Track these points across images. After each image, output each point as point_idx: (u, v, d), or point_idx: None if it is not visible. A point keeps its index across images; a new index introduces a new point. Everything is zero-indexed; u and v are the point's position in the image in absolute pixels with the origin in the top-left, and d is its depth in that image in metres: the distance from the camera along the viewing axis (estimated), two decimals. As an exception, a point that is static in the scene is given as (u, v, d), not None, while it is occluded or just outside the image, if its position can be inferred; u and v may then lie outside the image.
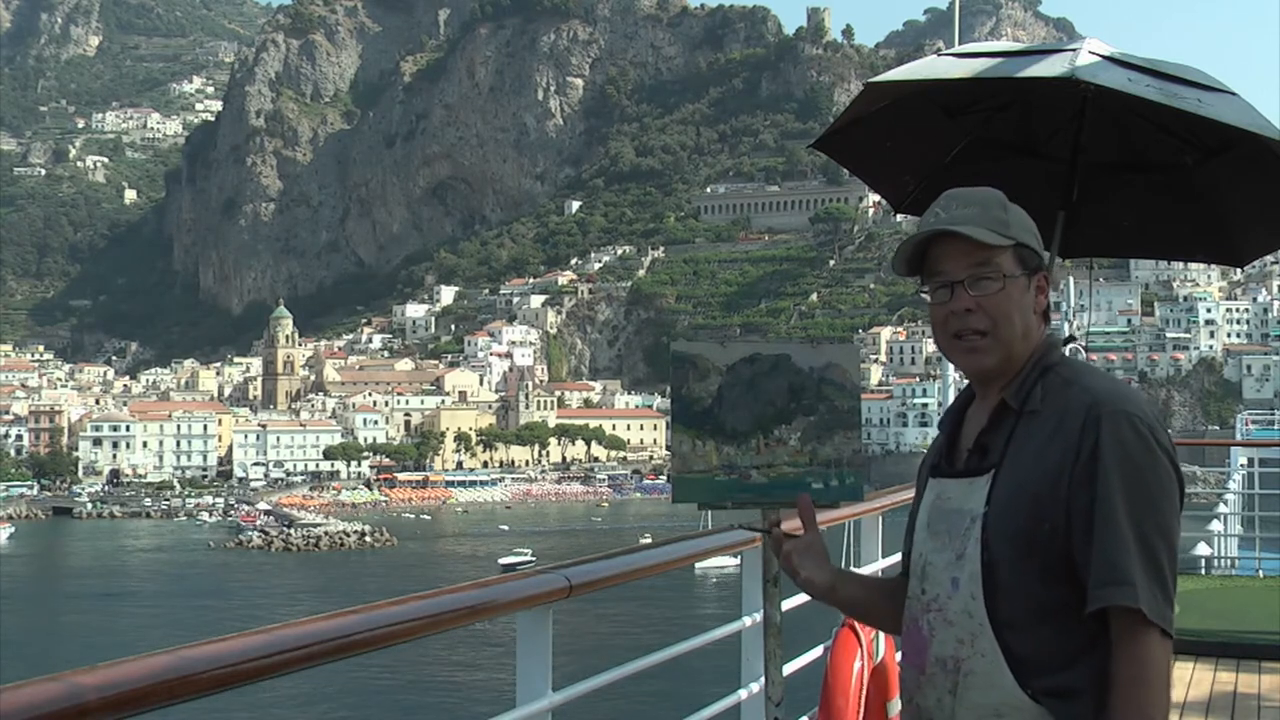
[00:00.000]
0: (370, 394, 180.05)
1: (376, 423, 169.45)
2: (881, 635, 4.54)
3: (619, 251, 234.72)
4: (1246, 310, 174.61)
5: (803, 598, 4.26)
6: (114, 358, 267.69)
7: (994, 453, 2.18)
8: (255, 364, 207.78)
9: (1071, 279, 14.64)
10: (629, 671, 3.26)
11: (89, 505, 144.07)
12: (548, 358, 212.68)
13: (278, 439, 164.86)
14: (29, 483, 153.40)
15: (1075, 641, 2.06)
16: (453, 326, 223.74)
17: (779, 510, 2.49)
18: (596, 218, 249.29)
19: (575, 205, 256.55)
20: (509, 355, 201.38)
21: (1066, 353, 2.28)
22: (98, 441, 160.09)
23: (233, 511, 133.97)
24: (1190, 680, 6.20)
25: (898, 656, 2.45)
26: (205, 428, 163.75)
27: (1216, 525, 13.68)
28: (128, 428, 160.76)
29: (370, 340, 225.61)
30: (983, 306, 2.18)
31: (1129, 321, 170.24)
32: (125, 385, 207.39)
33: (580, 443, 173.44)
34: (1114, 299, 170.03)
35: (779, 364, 2.50)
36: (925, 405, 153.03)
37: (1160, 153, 3.68)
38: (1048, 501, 2.07)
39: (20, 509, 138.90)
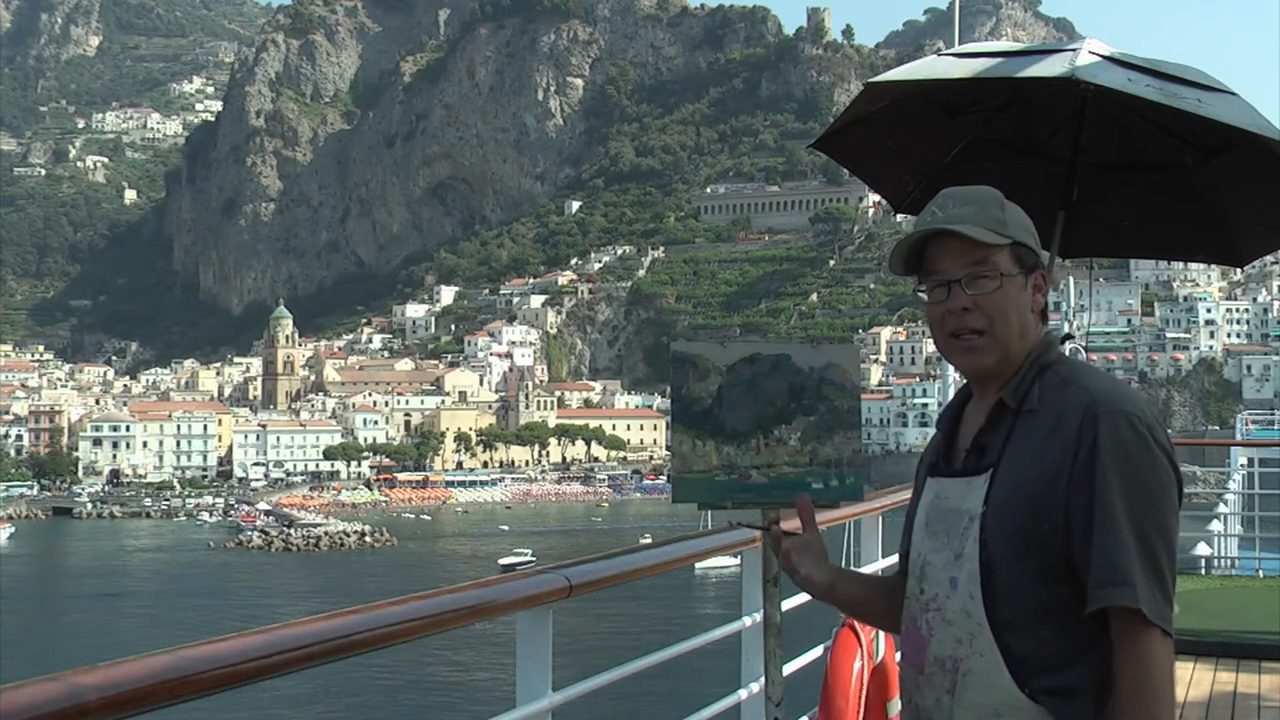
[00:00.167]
0: (370, 394, 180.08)
1: (376, 423, 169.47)
2: (881, 635, 4.54)
3: (619, 251, 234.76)
4: (1246, 310, 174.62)
5: (803, 598, 4.26)
6: (114, 358, 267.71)
7: (992, 452, 2.18)
8: (255, 364, 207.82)
9: (1071, 279, 14.64)
10: (629, 671, 3.26)
11: (89, 505, 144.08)
12: (548, 358, 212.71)
13: (278, 439, 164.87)
14: (29, 483, 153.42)
15: (1075, 641, 2.06)
16: (453, 326, 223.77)
17: (778, 509, 2.49)
18: (596, 218, 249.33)
19: (575, 205, 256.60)
20: (509, 355, 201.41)
21: (1065, 351, 2.27)
22: (98, 441, 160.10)
23: (233, 511, 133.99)
24: (1190, 680, 6.20)
25: (897, 656, 2.45)
26: (205, 428, 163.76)
27: (1216, 525, 13.68)
28: (128, 428, 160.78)
29: (370, 340, 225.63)
30: (980, 305, 2.18)
31: (1129, 321, 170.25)
32: (125, 385, 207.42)
33: (580, 443, 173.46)
34: (1114, 299, 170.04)
35: (779, 364, 2.50)
36: (925, 405, 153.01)
37: (1160, 153, 3.68)
38: (1046, 501, 2.07)
39: (20, 509, 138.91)
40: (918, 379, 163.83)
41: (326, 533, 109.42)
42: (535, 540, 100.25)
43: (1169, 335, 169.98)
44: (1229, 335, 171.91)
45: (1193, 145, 3.59)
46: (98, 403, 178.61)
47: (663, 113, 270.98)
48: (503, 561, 79.78)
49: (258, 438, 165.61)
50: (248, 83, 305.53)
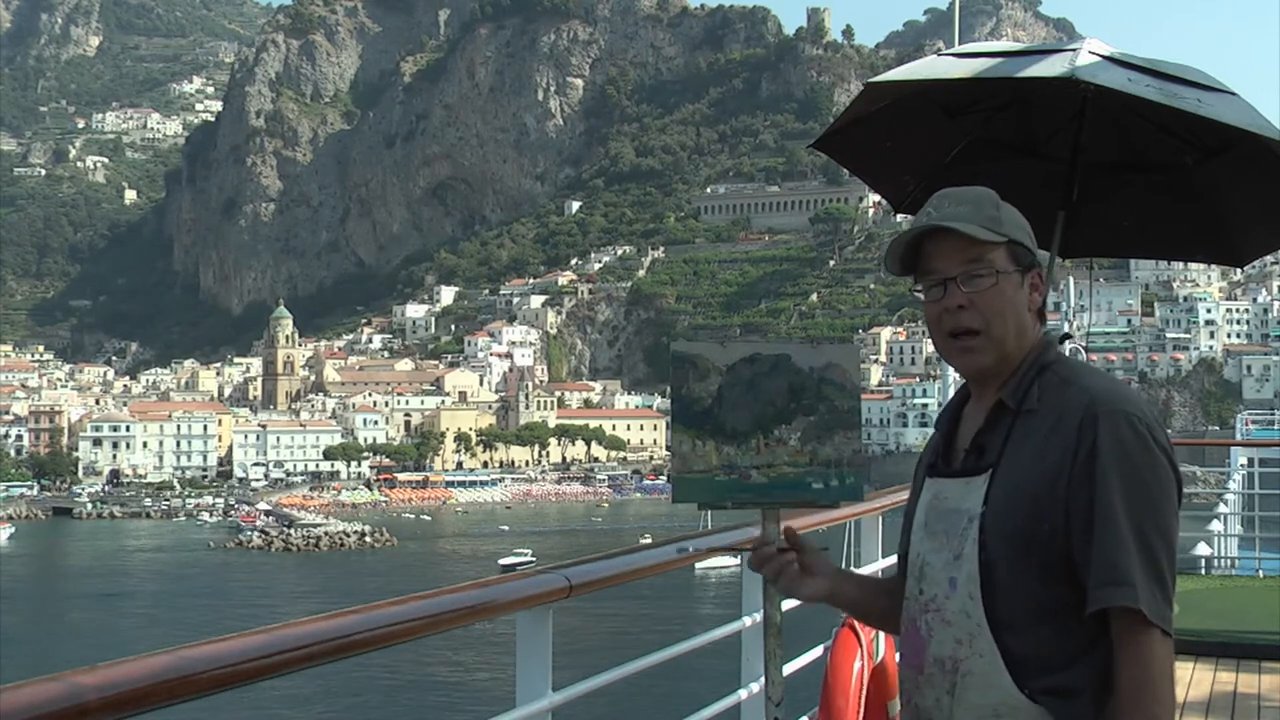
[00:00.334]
0: (370, 394, 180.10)
1: (376, 423, 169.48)
2: (881, 635, 4.54)
3: (619, 252, 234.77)
4: (1246, 310, 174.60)
5: (803, 597, 4.26)
6: (114, 358, 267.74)
7: (991, 452, 2.17)
8: (255, 364, 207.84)
9: (1071, 279, 14.66)
10: (629, 671, 3.26)
11: (89, 505, 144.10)
12: (548, 358, 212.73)
13: (278, 439, 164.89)
14: (29, 483, 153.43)
15: (1075, 641, 2.06)
16: (453, 327, 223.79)
17: (777, 512, 2.49)
18: (596, 218, 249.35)
19: (575, 205, 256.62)
20: (509, 355, 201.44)
21: (1065, 352, 2.27)
22: (98, 442, 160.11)
23: (233, 511, 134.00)
24: (1190, 680, 6.20)
25: (897, 656, 2.44)
26: (205, 428, 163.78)
27: (1216, 525, 13.68)
28: (128, 428, 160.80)
29: (370, 340, 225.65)
30: (975, 303, 2.18)
31: (1129, 322, 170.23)
32: (125, 385, 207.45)
33: (580, 443, 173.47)
34: (1114, 299, 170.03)
35: (779, 364, 2.49)
36: (925, 405, 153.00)
37: (1160, 153, 3.68)
38: (1046, 501, 2.06)
39: (20, 509, 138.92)
40: (918, 379, 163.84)
41: (326, 533, 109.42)
42: (535, 540, 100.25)
43: (1169, 335, 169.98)
44: (1229, 335, 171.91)
45: (1193, 145, 3.59)
46: (98, 403, 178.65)
47: (663, 113, 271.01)
48: (503, 561, 79.79)
49: (258, 438, 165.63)
50: (248, 83, 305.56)
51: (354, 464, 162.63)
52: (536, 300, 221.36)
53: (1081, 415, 2.06)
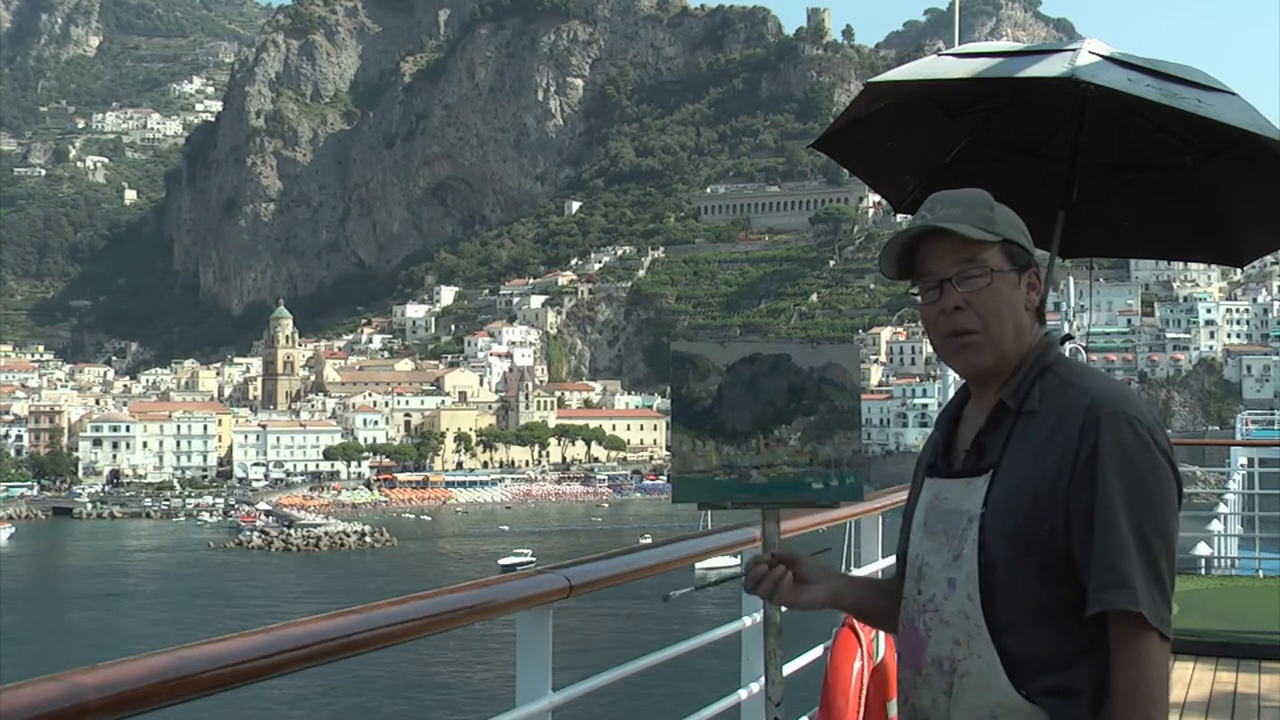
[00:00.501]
0: (370, 394, 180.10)
1: (376, 423, 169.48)
2: (881, 635, 4.54)
3: (619, 252, 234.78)
4: (1246, 310, 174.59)
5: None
6: (114, 358, 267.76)
7: (992, 453, 2.17)
8: (255, 364, 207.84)
9: (1071, 279, 14.65)
10: (629, 671, 3.27)
11: (89, 505, 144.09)
12: (548, 358, 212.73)
13: (278, 439, 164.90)
14: (29, 483, 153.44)
15: (1075, 641, 2.05)
16: (453, 327, 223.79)
17: (777, 512, 2.48)
18: (596, 218, 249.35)
19: (575, 205, 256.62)
20: (509, 355, 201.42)
21: (1065, 352, 2.27)
22: (98, 442, 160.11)
23: (233, 512, 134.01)
24: (1190, 680, 6.20)
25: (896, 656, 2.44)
26: (205, 428, 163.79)
27: (1216, 525, 13.68)
28: (128, 428, 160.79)
29: (370, 340, 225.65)
30: (971, 303, 2.18)
31: (1129, 322, 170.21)
32: (125, 385, 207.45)
33: (580, 443, 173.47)
34: (1114, 299, 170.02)
35: (779, 364, 2.50)
36: (925, 406, 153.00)
37: (1160, 153, 3.68)
38: (1046, 502, 2.06)
39: (20, 509, 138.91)
40: (918, 379, 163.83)
41: (326, 533, 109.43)
42: (535, 540, 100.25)
43: (1169, 335, 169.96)
44: (1229, 335, 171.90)
45: (1193, 145, 3.59)
46: (98, 403, 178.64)
47: (663, 113, 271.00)
48: (503, 561, 79.79)
49: (258, 438, 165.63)
50: (248, 83, 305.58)
51: (354, 464, 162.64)
52: (536, 300, 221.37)
53: (1083, 417, 2.06)
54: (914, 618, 2.23)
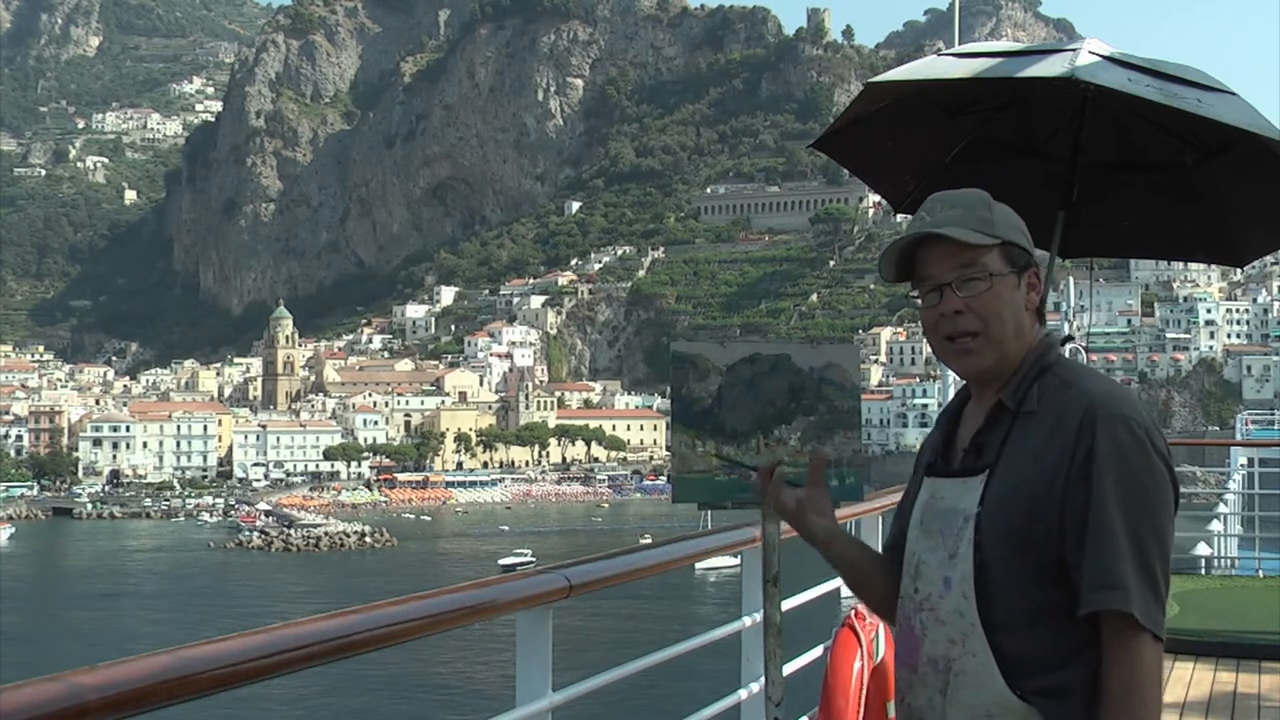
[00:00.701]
0: (370, 394, 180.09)
1: (376, 423, 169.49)
2: (881, 635, 4.54)
3: (619, 252, 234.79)
4: (1246, 311, 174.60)
5: (803, 598, 4.27)
6: (114, 358, 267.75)
7: (990, 452, 2.17)
8: (255, 364, 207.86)
9: (1071, 279, 14.65)
10: (629, 671, 3.27)
11: (89, 506, 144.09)
12: (548, 358, 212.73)
13: (278, 439, 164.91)
14: (29, 483, 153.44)
15: (1069, 642, 2.06)
16: (453, 327, 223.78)
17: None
18: (596, 218, 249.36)
19: (575, 206, 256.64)
20: (509, 356, 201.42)
21: (1065, 353, 2.27)
22: (98, 442, 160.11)
23: (233, 512, 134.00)
24: (1190, 680, 6.20)
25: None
26: (205, 428, 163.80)
27: (1216, 525, 13.67)
28: (128, 428, 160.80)
29: (370, 341, 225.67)
30: (972, 307, 2.18)
31: (1129, 322, 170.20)
32: (125, 386, 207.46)
33: (580, 443, 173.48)
34: (1114, 299, 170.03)
35: (779, 364, 2.50)
36: (925, 406, 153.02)
37: (1160, 153, 3.69)
38: (1043, 502, 2.06)
39: (20, 509, 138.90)
40: (918, 379, 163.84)
41: (326, 533, 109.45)
42: (535, 540, 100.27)
43: (1169, 336, 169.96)
44: (1229, 336, 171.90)
45: (1193, 145, 3.60)
46: (98, 403, 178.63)
47: (663, 113, 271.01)
48: (503, 561, 79.82)
49: (258, 438, 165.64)
50: (248, 83, 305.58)
51: (354, 464, 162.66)
52: (536, 300, 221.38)
53: (1080, 418, 2.06)
54: (910, 616, 2.23)
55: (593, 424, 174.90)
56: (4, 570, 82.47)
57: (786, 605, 2.41)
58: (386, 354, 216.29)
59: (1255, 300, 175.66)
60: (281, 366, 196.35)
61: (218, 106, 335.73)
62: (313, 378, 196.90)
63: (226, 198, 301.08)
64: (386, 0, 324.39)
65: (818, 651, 4.52)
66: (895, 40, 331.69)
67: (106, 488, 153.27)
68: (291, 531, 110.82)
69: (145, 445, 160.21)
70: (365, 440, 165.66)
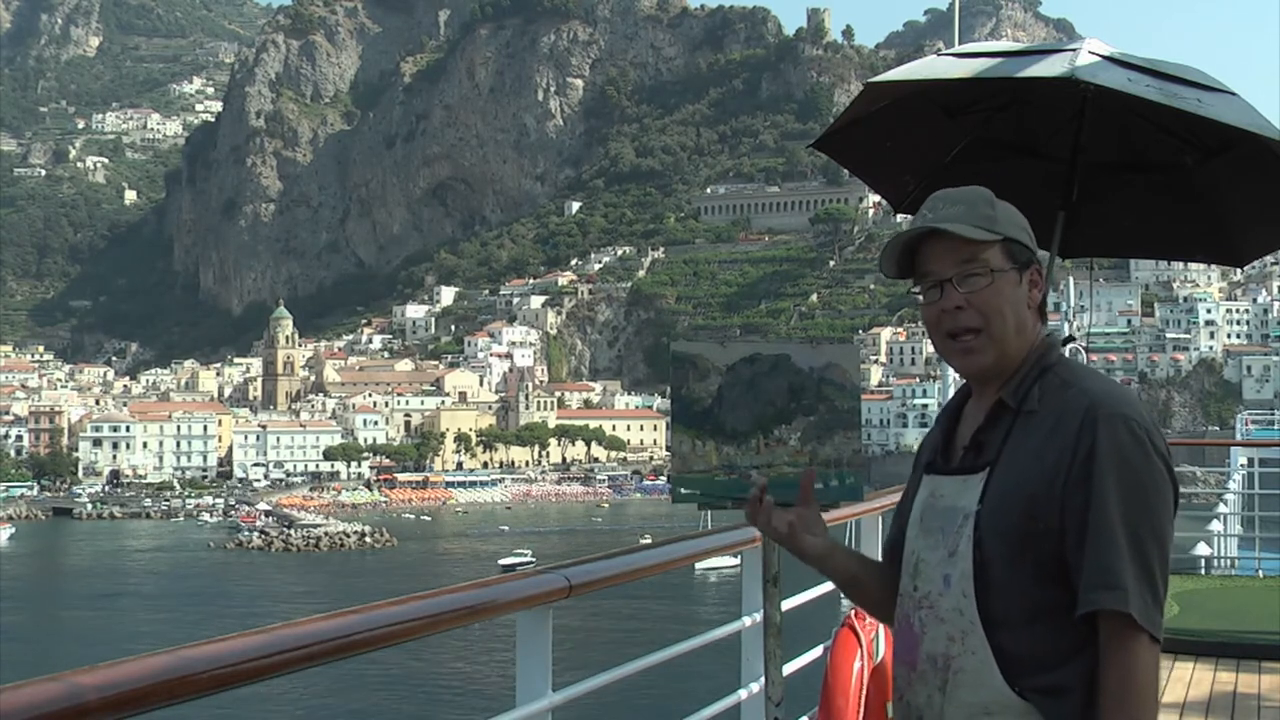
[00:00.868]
0: (370, 394, 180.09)
1: (376, 423, 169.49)
2: (881, 635, 4.54)
3: (619, 252, 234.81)
4: (1246, 311, 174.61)
5: (803, 598, 4.27)
6: (114, 358, 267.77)
7: (990, 450, 2.17)
8: (255, 364, 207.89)
9: (1071, 279, 14.63)
10: (629, 671, 3.27)
11: (89, 506, 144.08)
12: (548, 358, 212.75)
13: (278, 439, 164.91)
14: (29, 483, 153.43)
15: (1067, 640, 2.06)
16: (453, 327, 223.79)
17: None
18: (596, 218, 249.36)
19: (575, 206, 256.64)
20: (509, 356, 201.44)
21: (1066, 353, 2.27)
22: (98, 442, 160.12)
23: (233, 512, 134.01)
24: (1190, 680, 6.20)
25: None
26: (205, 428, 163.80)
27: (1216, 525, 13.67)
28: (128, 428, 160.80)
29: (370, 341, 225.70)
30: (973, 303, 2.18)
31: (1129, 322, 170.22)
32: (125, 386, 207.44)
33: (580, 443, 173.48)
34: (1114, 299, 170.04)
35: (779, 364, 2.49)
36: (925, 406, 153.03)
37: (1160, 153, 3.69)
38: (1043, 501, 2.06)
39: (20, 509, 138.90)
40: (918, 379, 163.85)
41: (326, 533, 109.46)
42: (535, 540, 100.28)
43: (1169, 336, 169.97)
44: (1229, 336, 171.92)
45: (1193, 145, 3.60)
46: (98, 403, 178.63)
47: (663, 113, 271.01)
48: (503, 562, 79.80)
49: (258, 438, 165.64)
50: (248, 83, 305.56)
51: (354, 464, 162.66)
52: (536, 301, 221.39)
53: (1081, 417, 2.07)
54: (909, 614, 2.23)
55: (593, 424, 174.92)
56: (4, 570, 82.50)
57: (786, 605, 2.43)
58: (386, 354, 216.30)
59: (1255, 300, 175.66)
60: (281, 366, 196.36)
61: (218, 107, 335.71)
62: (313, 378, 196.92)
63: (226, 198, 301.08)
64: (386, 0, 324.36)
65: (818, 651, 4.52)
66: (895, 40, 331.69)
67: (106, 488, 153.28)
68: (291, 531, 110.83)
69: (145, 445, 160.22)
70: (365, 440, 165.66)
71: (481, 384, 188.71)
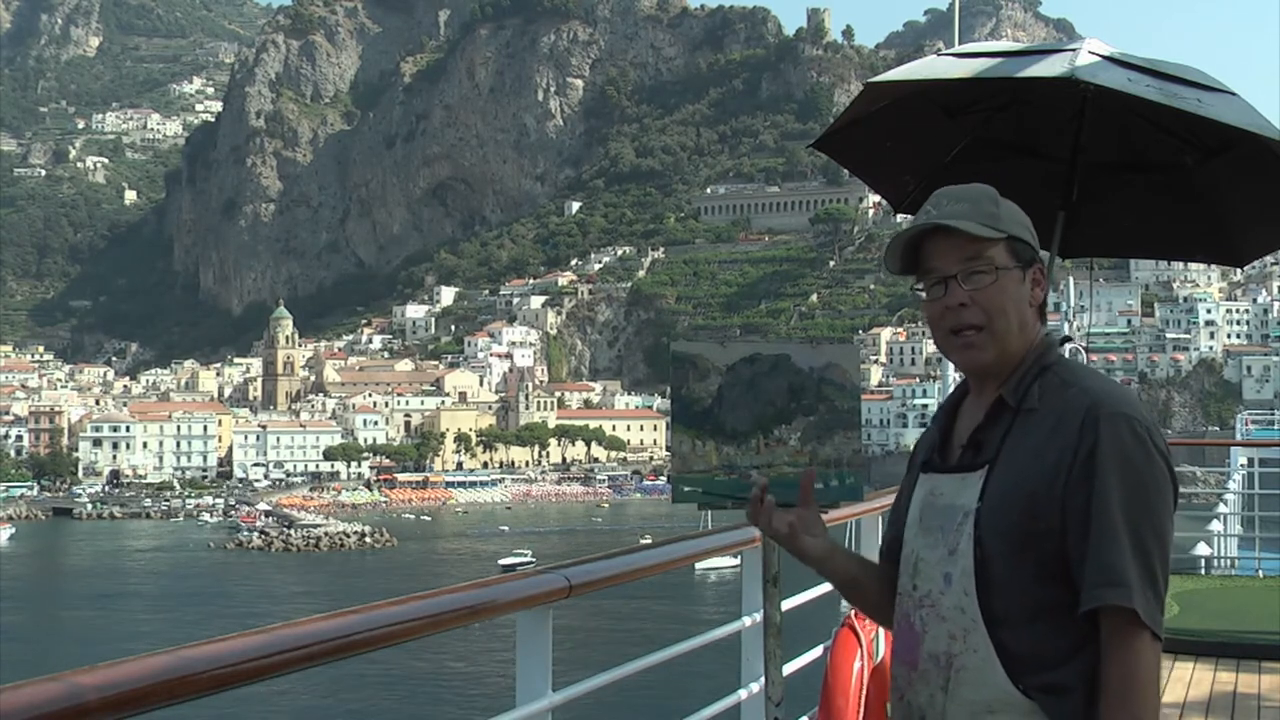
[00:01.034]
0: (370, 395, 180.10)
1: (376, 423, 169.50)
2: (881, 635, 4.54)
3: (619, 252, 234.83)
4: (1246, 311, 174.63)
5: (803, 597, 4.27)
6: (114, 358, 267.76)
7: (989, 448, 2.17)
8: (255, 364, 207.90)
9: (1071, 279, 14.61)
10: (629, 671, 3.27)
11: (89, 506, 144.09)
12: (548, 358, 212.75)
13: (278, 439, 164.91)
14: (29, 483, 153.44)
15: (1069, 638, 2.06)
16: (453, 327, 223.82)
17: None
18: (596, 218, 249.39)
19: (575, 206, 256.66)
20: (509, 356, 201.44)
21: (1065, 353, 2.27)
22: (98, 442, 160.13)
23: (233, 512, 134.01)
24: (1190, 680, 6.20)
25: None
26: (205, 428, 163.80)
27: (1216, 525, 13.66)
28: (128, 428, 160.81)
29: (370, 341, 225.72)
30: (976, 300, 2.18)
31: (1129, 322, 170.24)
32: (125, 386, 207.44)
33: (580, 443, 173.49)
34: (1114, 299, 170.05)
35: (779, 364, 2.49)
36: (925, 406, 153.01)
37: (1160, 153, 3.69)
38: (1043, 500, 2.07)
39: (20, 509, 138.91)
40: (918, 380, 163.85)
41: (326, 533, 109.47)
42: (535, 540, 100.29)
43: (1169, 336, 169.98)
44: (1229, 336, 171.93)
45: (1193, 145, 3.60)
46: (98, 403, 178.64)
47: (663, 113, 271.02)
48: (503, 562, 79.79)
49: (258, 438, 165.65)
50: (248, 83, 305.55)
51: (354, 464, 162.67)
52: (536, 301, 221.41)
53: (1083, 416, 2.07)
54: (909, 613, 2.22)
55: (593, 424, 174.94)
56: (4, 570, 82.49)
57: (786, 605, 2.43)
58: (386, 354, 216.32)
59: (1255, 300, 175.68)
60: (281, 367, 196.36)
61: (218, 107, 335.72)
62: (313, 378, 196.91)
63: (226, 198, 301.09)
64: (386, 0, 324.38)
65: (818, 651, 4.52)
66: (895, 40, 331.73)
67: (106, 488, 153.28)
68: (291, 532, 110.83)
69: (145, 445, 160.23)
70: (365, 440, 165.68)
71: (481, 384, 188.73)
